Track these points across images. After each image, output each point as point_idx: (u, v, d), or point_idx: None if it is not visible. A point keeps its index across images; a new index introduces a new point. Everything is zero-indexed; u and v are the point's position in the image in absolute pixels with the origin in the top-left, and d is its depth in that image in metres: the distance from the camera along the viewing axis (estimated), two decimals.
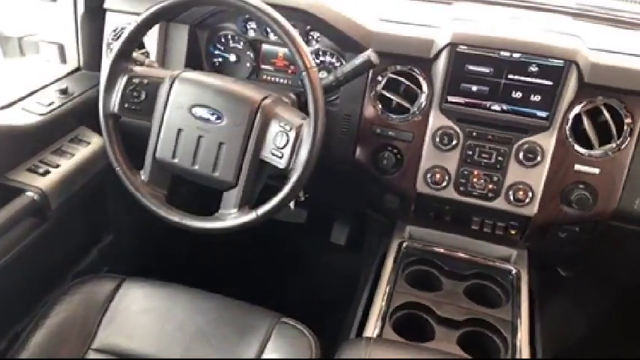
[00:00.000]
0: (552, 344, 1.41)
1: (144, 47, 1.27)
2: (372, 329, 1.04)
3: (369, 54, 1.03)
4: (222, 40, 1.32)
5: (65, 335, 1.02)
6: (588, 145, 1.08)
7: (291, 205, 1.12)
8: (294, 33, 0.95)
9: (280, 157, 0.97)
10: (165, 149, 1.03)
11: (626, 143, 1.07)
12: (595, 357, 1.54)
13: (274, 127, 0.98)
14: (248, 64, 1.32)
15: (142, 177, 1.07)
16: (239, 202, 0.99)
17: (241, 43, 1.31)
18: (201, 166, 1.01)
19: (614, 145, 1.07)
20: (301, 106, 1.11)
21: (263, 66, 1.32)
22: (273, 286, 1.74)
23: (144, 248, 1.65)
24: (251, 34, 1.30)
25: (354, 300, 1.34)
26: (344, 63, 1.21)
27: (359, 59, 1.04)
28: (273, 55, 1.31)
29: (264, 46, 1.31)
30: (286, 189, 0.96)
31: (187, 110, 1.01)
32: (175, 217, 1.04)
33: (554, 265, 1.49)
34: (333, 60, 1.26)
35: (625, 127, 1.06)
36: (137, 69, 1.06)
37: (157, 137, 1.04)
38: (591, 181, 1.09)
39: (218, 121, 1.00)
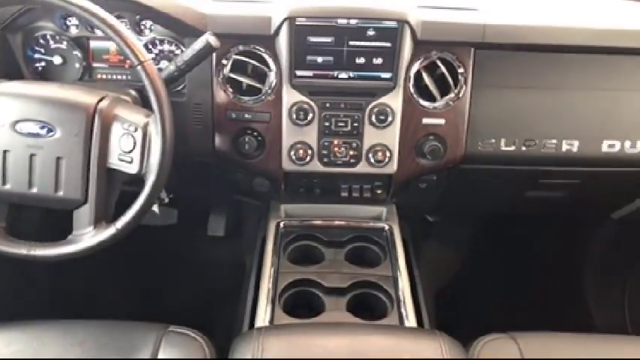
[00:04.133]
0: (431, 288, 1.53)
1: None
2: (262, 317, 1.03)
3: (208, 37, 0.99)
4: (41, 41, 1.17)
5: None
6: (431, 99, 1.15)
7: (156, 209, 1.05)
8: (119, 26, 0.87)
9: (130, 162, 0.90)
10: None
11: (463, 91, 1.15)
12: (468, 288, 1.70)
13: (117, 131, 0.90)
14: (77, 65, 1.19)
15: None
16: (93, 218, 0.91)
17: (64, 43, 1.17)
18: (40, 187, 0.91)
19: (453, 95, 1.15)
20: (145, 103, 1.04)
21: (95, 64, 1.20)
22: (157, 294, 1.64)
23: None
24: (74, 31, 1.17)
25: (243, 289, 1.32)
26: (184, 50, 1.14)
27: (198, 44, 0.99)
28: (104, 51, 1.19)
29: (92, 43, 1.19)
30: (144, 195, 0.90)
31: (10, 128, 0.89)
32: (22, 249, 0.92)
33: (422, 214, 1.60)
34: (172, 48, 1.18)
35: (460, 77, 1.14)
36: None
37: None
38: (439, 131, 1.17)
39: (50, 134, 0.89)
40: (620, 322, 1.66)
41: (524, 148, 1.18)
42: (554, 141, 1.18)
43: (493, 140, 1.18)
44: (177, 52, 1.18)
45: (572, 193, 1.34)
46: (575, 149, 1.18)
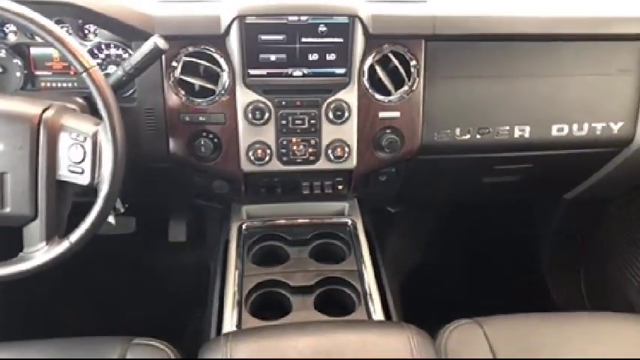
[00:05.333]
0: (397, 279, 1.54)
1: None
2: (229, 321, 1.01)
3: (155, 40, 0.96)
4: None
5: None
6: (386, 92, 1.16)
7: (112, 219, 1.02)
8: (59, 31, 0.83)
9: (81, 173, 0.86)
10: None
11: (416, 84, 1.16)
12: (432, 276, 1.72)
13: (65, 141, 0.87)
14: (18, 74, 1.13)
15: None
16: (45, 234, 0.87)
17: (3, 51, 1.12)
18: None
19: (407, 88, 1.16)
20: (93, 111, 1.00)
21: (37, 72, 1.15)
22: (119, 306, 1.60)
23: None
24: (12, 38, 1.12)
25: (208, 295, 1.30)
26: (132, 54, 1.11)
27: (146, 47, 0.97)
28: (47, 59, 1.14)
29: (33, 50, 1.14)
30: (97, 206, 0.87)
31: None
32: None
33: (383, 206, 1.61)
34: (120, 52, 1.14)
35: (412, 70, 1.15)
36: None
37: None
38: (395, 124, 1.17)
39: None
40: (578, 298, 1.72)
41: (478, 136, 1.21)
42: (506, 128, 1.21)
43: (448, 130, 1.20)
44: (125, 56, 1.14)
45: (527, 176, 1.38)
46: (527, 135, 1.22)
